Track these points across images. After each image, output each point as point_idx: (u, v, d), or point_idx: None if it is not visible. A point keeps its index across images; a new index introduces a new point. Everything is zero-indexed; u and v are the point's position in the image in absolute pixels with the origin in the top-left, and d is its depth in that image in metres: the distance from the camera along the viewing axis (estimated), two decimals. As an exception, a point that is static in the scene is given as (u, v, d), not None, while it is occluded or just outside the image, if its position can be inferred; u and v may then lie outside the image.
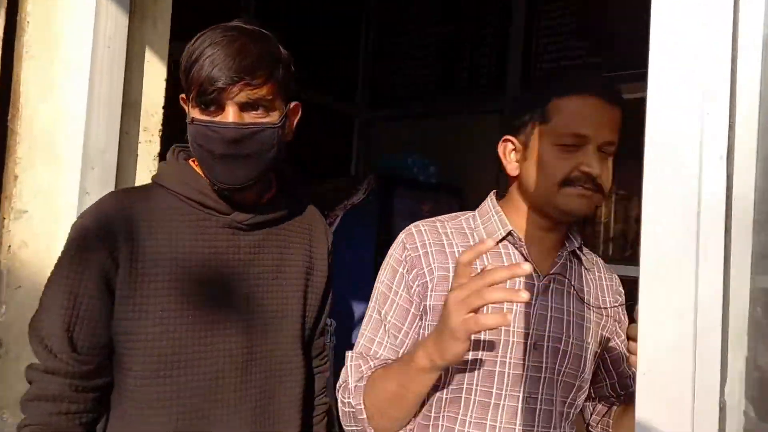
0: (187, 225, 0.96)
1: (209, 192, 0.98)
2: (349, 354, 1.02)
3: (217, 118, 0.91)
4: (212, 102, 0.90)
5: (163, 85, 1.47)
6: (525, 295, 0.75)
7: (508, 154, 1.03)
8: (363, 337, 1.03)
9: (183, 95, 0.97)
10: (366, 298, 1.02)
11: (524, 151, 1.00)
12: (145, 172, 1.45)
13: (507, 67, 2.98)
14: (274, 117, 0.95)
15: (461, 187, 3.02)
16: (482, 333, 0.93)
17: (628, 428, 0.99)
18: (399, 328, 1.00)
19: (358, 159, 3.47)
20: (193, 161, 1.01)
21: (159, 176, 1.02)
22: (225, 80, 0.87)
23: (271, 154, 0.95)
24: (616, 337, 1.09)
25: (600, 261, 1.14)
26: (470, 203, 3.28)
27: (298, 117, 1.05)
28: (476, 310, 0.78)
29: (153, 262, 0.92)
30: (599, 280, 1.09)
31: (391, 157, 2.87)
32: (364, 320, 1.05)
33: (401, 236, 1.04)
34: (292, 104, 1.02)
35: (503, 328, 0.94)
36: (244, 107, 0.92)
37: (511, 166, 1.02)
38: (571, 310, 1.01)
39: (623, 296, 1.13)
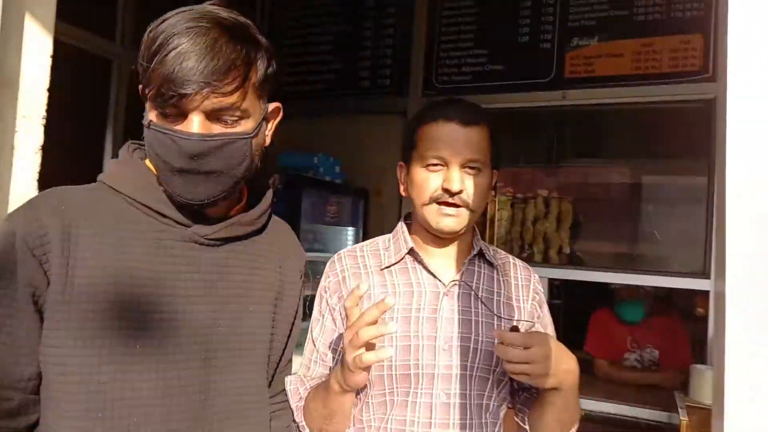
0: (139, 236, 0.79)
1: (167, 199, 0.81)
2: (287, 379, 1.07)
3: (179, 126, 0.75)
4: (172, 108, 0.74)
5: (49, 62, 1.20)
6: (392, 328, 0.91)
7: (401, 177, 1.16)
8: (303, 358, 1.13)
9: (141, 86, 0.78)
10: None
11: (407, 175, 1.13)
12: (24, 169, 1.17)
13: (410, 68, 2.97)
14: (247, 125, 0.80)
15: (366, 188, 2.95)
16: (393, 339, 1.04)
17: (537, 418, 1.07)
18: (328, 347, 1.10)
19: (255, 156, 3.25)
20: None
21: (108, 175, 0.84)
22: (190, 87, 0.72)
23: (242, 168, 0.81)
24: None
25: (518, 263, 1.23)
26: (374, 205, 3.20)
27: (278, 119, 0.90)
28: (368, 346, 0.90)
29: (94, 277, 0.74)
30: (514, 280, 1.19)
31: (295, 154, 2.71)
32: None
33: (327, 266, 1.17)
34: (272, 106, 0.86)
35: (412, 334, 1.05)
36: (211, 115, 0.76)
37: (403, 187, 1.16)
38: (479, 311, 1.10)
39: (542, 294, 1.22)
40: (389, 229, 3.09)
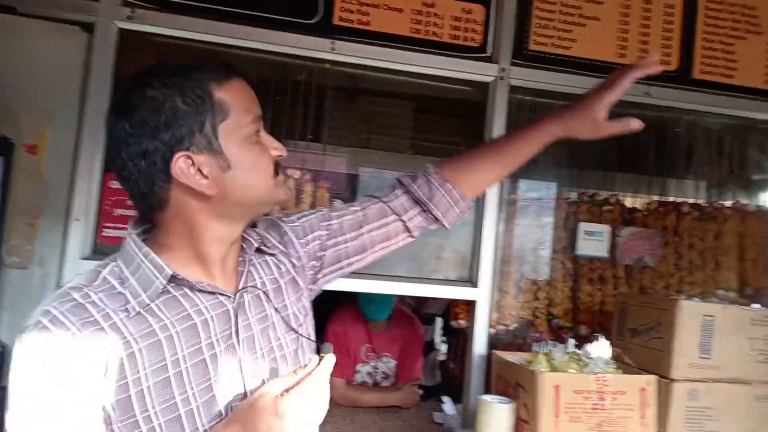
0: None
1: None
2: None
3: None
4: None
5: None
6: None
7: (192, 172, 0.85)
8: None
9: None
10: None
11: (216, 159, 0.86)
12: None
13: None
14: None
15: (8, 138, 1.73)
16: (191, 400, 0.83)
17: None
18: None
19: None
20: None
21: None
22: None
23: None
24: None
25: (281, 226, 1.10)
26: (22, 170, 1.96)
27: None
28: None
29: None
30: (286, 255, 1.06)
31: None
32: None
33: (27, 341, 0.77)
34: None
35: (213, 381, 0.85)
36: None
37: (207, 182, 0.86)
38: (271, 311, 0.97)
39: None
40: (55, 214, 1.87)
